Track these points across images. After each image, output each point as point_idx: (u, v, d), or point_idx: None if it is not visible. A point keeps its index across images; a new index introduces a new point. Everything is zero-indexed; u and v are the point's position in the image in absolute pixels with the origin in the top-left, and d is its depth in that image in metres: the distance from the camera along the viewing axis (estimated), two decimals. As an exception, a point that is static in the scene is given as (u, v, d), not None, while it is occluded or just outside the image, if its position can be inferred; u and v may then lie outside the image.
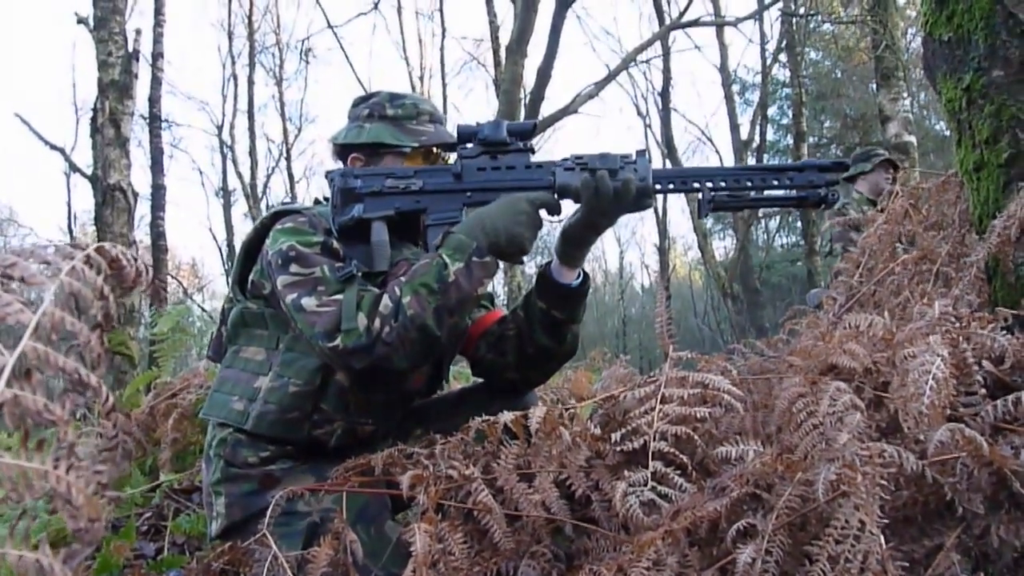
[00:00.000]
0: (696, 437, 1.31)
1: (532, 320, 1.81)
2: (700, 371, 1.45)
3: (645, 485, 1.21)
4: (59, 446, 0.62)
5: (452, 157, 1.92)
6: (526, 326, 1.83)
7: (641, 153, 1.72)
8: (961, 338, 1.33)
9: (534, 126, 1.82)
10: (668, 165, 17.13)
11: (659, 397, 1.38)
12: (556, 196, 1.72)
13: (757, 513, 1.12)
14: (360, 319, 1.54)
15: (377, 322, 1.54)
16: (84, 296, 0.73)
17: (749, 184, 1.70)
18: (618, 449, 1.34)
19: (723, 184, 1.69)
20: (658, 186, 1.70)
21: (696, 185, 1.70)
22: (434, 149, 1.89)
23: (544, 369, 1.91)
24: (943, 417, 1.15)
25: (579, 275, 1.81)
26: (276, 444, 1.70)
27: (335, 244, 1.70)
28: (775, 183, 1.71)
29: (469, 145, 1.77)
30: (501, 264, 1.72)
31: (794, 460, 1.16)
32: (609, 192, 1.64)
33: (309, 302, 1.57)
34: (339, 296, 1.57)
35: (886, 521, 1.02)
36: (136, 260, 0.84)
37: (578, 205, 1.71)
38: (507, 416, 1.41)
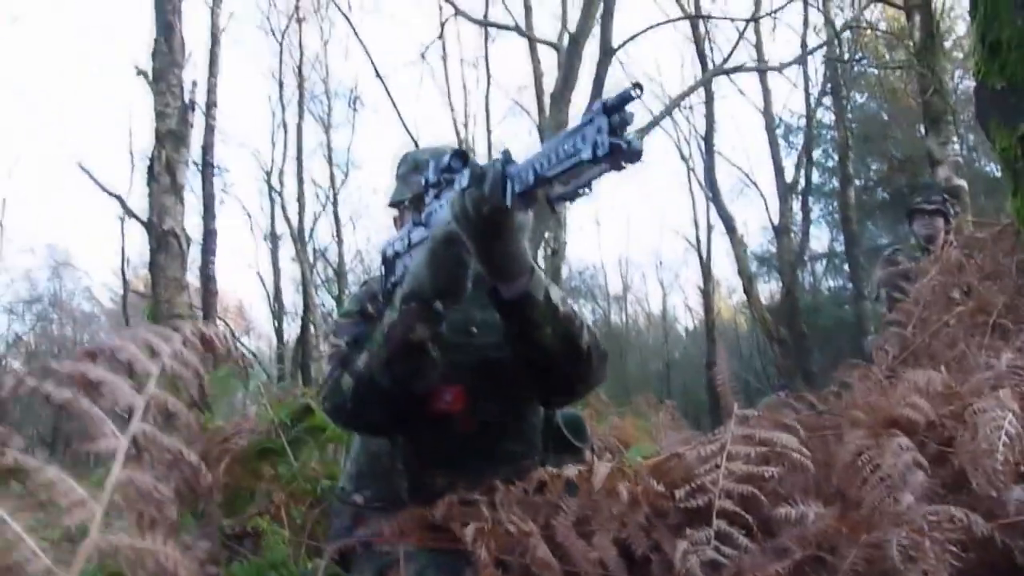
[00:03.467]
0: (762, 496, 1.29)
1: (512, 342, 1.70)
2: (763, 427, 1.44)
3: (708, 544, 1.20)
4: (165, 525, 0.65)
5: None
6: (515, 348, 1.71)
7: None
8: (1030, 394, 1.31)
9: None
10: (712, 209, 17.01)
11: (724, 455, 1.36)
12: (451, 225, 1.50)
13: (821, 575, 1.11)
14: (343, 380, 1.69)
15: (350, 382, 1.68)
16: (184, 377, 0.77)
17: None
18: (680, 506, 1.32)
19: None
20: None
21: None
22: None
23: (555, 380, 1.76)
24: (1017, 474, 1.13)
25: (526, 280, 1.57)
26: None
27: (370, 308, 1.84)
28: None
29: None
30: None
31: (858, 520, 1.14)
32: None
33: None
34: None
35: (954, 585, 1.00)
36: (226, 338, 0.88)
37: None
38: (571, 471, 1.42)
